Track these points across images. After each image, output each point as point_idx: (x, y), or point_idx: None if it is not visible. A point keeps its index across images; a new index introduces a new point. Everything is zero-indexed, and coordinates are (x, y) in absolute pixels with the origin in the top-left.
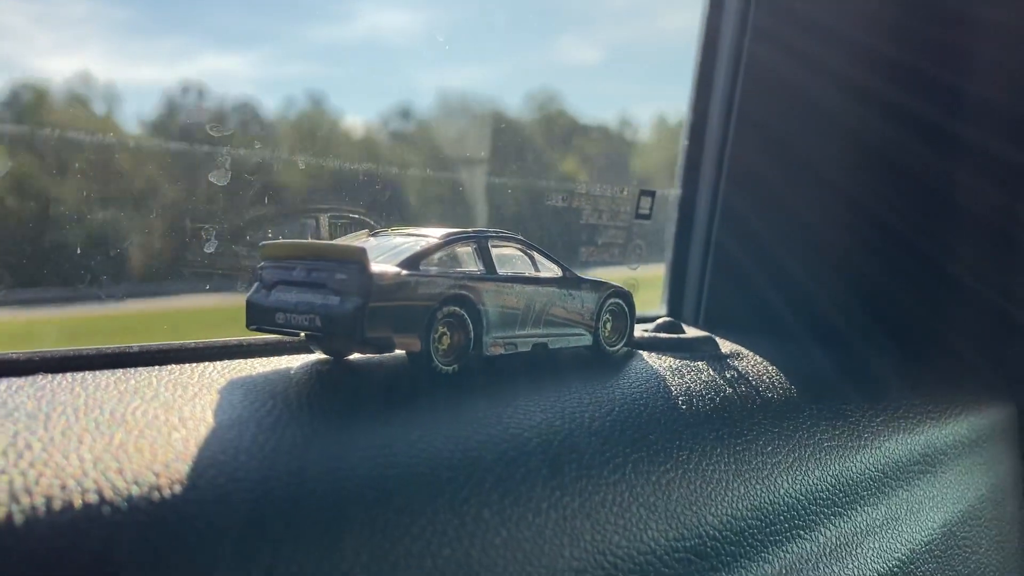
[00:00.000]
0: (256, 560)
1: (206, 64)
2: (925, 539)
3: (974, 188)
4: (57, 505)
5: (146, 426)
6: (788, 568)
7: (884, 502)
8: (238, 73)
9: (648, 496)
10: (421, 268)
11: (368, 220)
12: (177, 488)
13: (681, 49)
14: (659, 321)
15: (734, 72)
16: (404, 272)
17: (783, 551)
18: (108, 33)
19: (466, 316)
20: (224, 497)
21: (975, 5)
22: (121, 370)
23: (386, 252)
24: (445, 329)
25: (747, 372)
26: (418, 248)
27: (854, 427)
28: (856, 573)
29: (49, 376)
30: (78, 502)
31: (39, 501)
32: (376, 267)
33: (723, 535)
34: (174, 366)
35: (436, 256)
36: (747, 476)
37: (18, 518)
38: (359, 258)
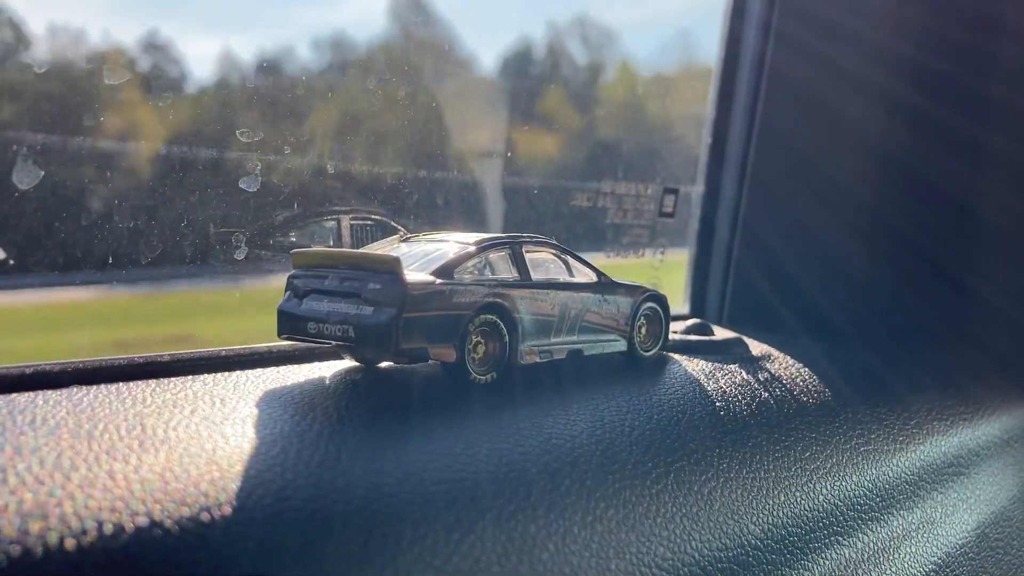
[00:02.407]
0: None
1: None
2: (959, 541)
3: (1004, 189)
4: (108, 529)
5: (189, 443)
6: (828, 574)
7: (920, 505)
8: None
9: (691, 506)
10: (455, 276)
11: (390, 222)
12: (227, 509)
13: None
14: (689, 323)
15: (757, 75)
16: (439, 281)
17: (822, 558)
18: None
19: (501, 324)
20: (273, 518)
21: (1001, 8)
22: (155, 380)
23: (419, 260)
24: (480, 338)
25: (780, 375)
26: (452, 255)
27: (889, 430)
28: None
29: (84, 388)
30: (129, 525)
31: (90, 525)
32: (410, 276)
33: (764, 544)
34: (207, 376)
35: (470, 263)
36: (787, 483)
37: (69, 543)
38: (393, 268)
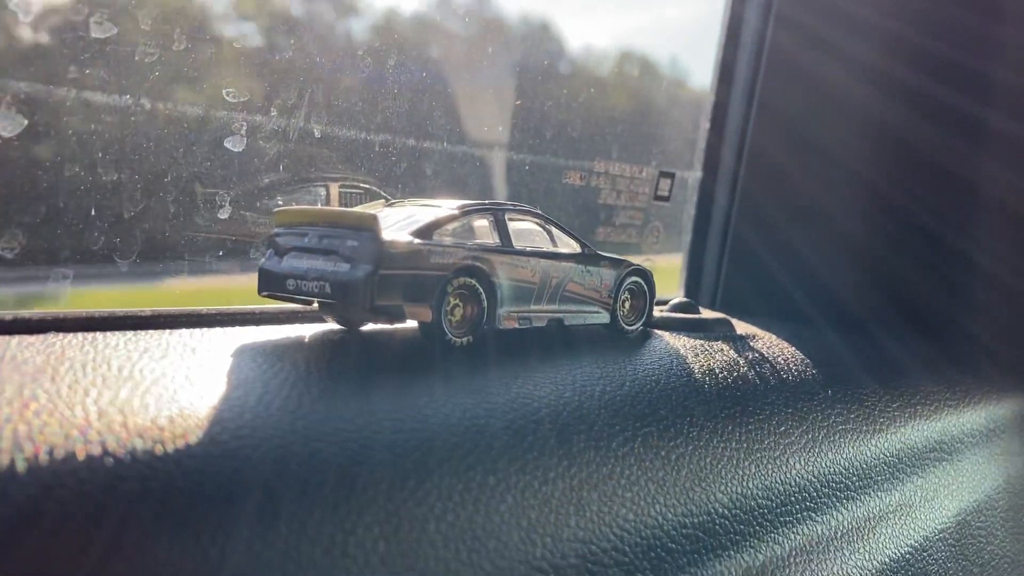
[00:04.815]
0: (259, 516)
1: None
2: (939, 527)
3: (995, 176)
4: (60, 454)
5: (153, 383)
6: (799, 549)
7: (898, 488)
8: None
9: (657, 470)
10: (435, 238)
11: (379, 191)
12: (180, 443)
13: None
14: (674, 301)
15: (756, 59)
16: (416, 241)
17: (794, 533)
18: None
19: (479, 288)
20: (228, 453)
21: None
22: (132, 332)
23: (400, 221)
24: (458, 300)
25: (762, 353)
26: (432, 218)
27: (869, 412)
28: (868, 558)
29: (60, 335)
30: (81, 453)
31: (43, 449)
32: (388, 235)
33: (732, 513)
34: (186, 330)
35: (451, 227)
36: (758, 455)
37: (21, 465)
38: (371, 225)
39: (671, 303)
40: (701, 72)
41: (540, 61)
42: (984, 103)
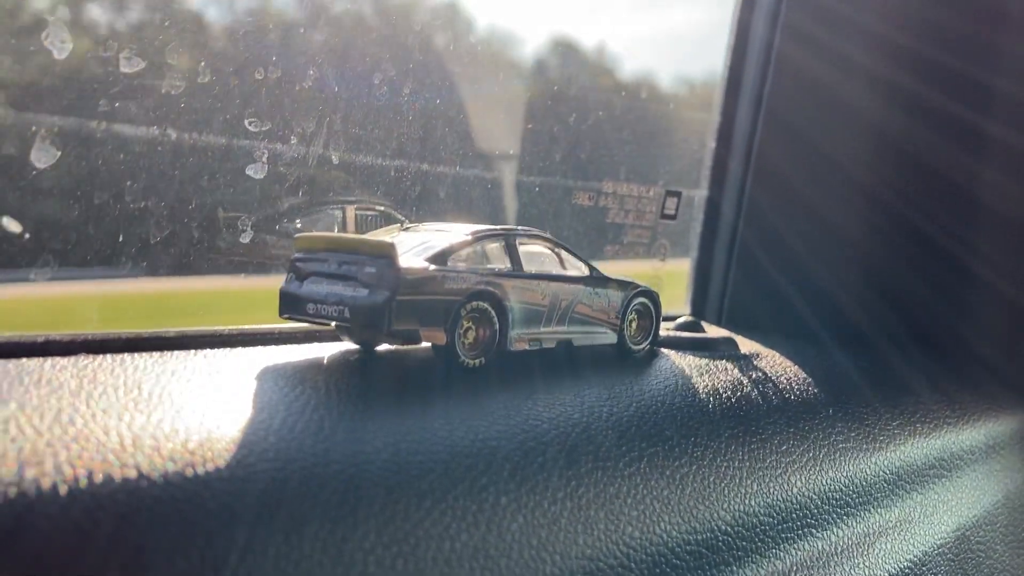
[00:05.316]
0: (279, 534)
1: None
2: (938, 542)
3: (1000, 191)
4: (98, 478)
5: (182, 407)
6: (799, 565)
7: (898, 504)
8: None
9: (662, 489)
10: (449, 264)
11: (395, 213)
12: (210, 466)
13: None
14: (680, 320)
15: (763, 73)
16: (432, 267)
17: (795, 548)
18: None
19: (492, 311)
20: (252, 476)
21: (1004, 1)
22: (159, 353)
23: (415, 247)
24: (471, 324)
25: (766, 373)
26: (446, 244)
27: (870, 429)
28: (868, 573)
29: (90, 357)
30: (118, 476)
31: (82, 473)
32: (404, 262)
33: (735, 530)
34: (209, 351)
35: (464, 252)
36: (761, 474)
37: (62, 488)
38: (388, 253)
39: (677, 322)
40: (708, 85)
41: (550, 85)
42: (989, 115)
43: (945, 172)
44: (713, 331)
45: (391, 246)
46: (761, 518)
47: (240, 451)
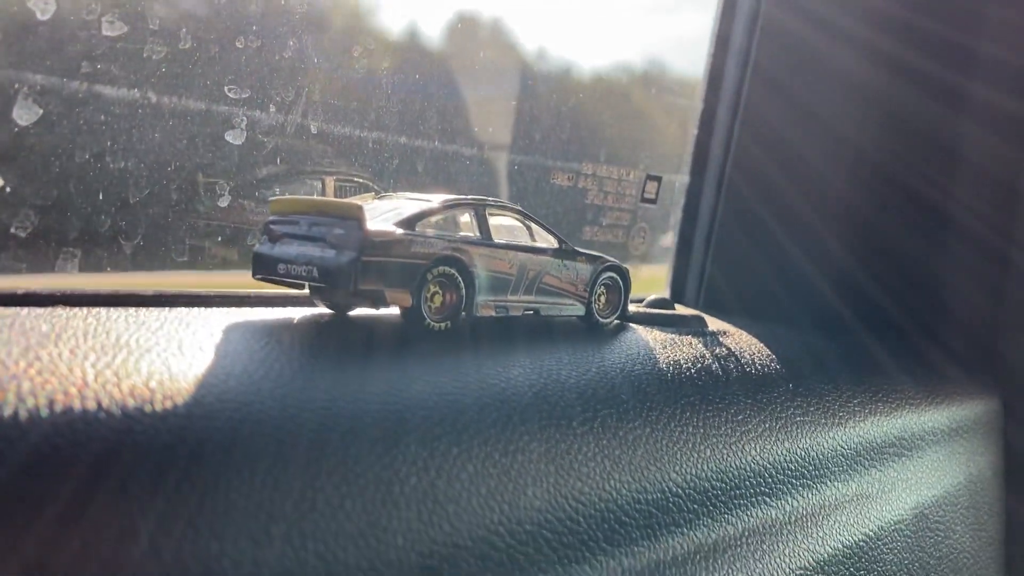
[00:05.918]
0: (237, 470)
1: None
2: (895, 518)
3: (966, 186)
4: (59, 408)
5: (147, 351)
6: (752, 531)
7: (855, 479)
8: None
9: (613, 449)
10: (418, 229)
11: (373, 185)
12: (168, 403)
13: None
14: (650, 298)
15: (742, 70)
16: (399, 231)
17: (747, 515)
18: None
19: (458, 276)
20: (210, 414)
21: (982, 7)
22: (133, 308)
23: (386, 212)
24: (437, 288)
25: (730, 349)
26: (416, 211)
27: (830, 406)
28: (822, 542)
29: (67, 308)
30: (78, 407)
31: (43, 403)
32: (373, 225)
33: (686, 493)
34: (184, 309)
35: (434, 219)
36: (715, 440)
37: (23, 415)
38: (356, 215)
39: (647, 299)
40: (690, 82)
41: (535, 69)
42: (960, 113)
43: (916, 165)
44: (684, 311)
45: (359, 208)
46: (713, 483)
47: (199, 391)
